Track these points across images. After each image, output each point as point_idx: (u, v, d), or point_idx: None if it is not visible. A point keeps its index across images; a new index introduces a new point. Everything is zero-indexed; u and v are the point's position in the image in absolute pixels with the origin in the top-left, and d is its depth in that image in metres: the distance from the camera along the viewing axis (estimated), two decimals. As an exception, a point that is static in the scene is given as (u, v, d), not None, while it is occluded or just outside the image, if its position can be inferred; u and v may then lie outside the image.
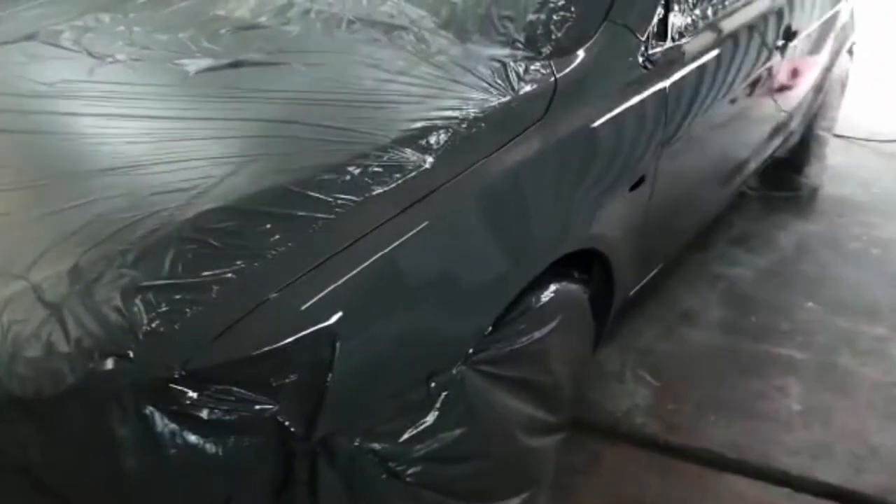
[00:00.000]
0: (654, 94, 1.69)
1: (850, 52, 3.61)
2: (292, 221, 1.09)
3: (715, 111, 2.07)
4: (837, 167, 3.84)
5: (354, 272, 1.07)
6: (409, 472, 1.17)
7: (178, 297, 0.99)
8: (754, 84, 2.36)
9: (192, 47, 1.58)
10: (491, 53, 1.55)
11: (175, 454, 0.97)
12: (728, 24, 2.07)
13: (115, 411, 0.94)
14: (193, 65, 1.50)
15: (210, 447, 0.99)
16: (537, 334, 1.41)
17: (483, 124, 1.33)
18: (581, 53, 1.57)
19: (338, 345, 1.03)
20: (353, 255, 1.08)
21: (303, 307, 1.02)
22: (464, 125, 1.31)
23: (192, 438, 0.98)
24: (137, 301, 0.98)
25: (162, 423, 0.96)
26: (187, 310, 0.98)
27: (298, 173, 1.17)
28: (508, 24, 1.64)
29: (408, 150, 1.23)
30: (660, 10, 1.75)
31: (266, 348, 0.99)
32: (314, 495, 1.07)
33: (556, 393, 1.55)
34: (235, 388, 0.99)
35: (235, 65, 1.49)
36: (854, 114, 4.27)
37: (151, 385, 0.94)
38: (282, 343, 1.00)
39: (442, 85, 1.42)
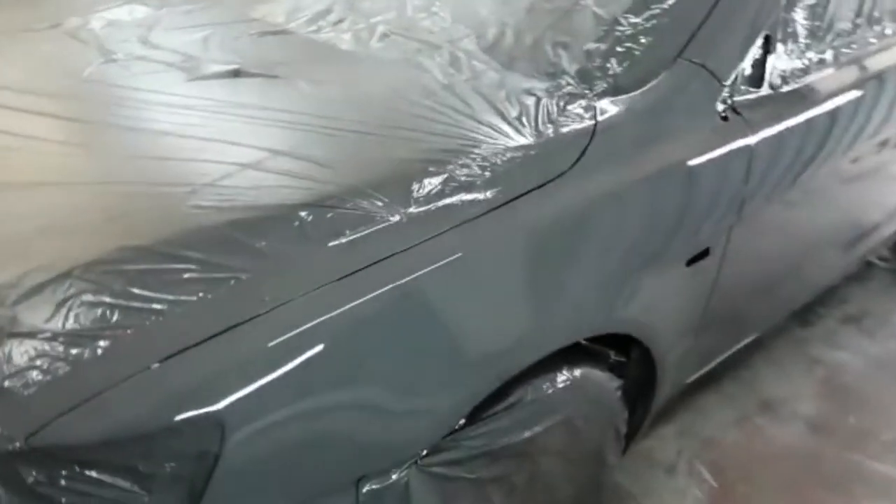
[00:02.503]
0: (734, 150, 1.38)
1: None
2: (212, 272, 0.90)
3: (825, 173, 1.71)
4: None
5: (266, 345, 0.87)
6: None
7: (48, 353, 0.82)
8: (888, 141, 1.96)
9: (204, 50, 1.44)
10: (529, 86, 1.30)
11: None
12: (853, 72, 1.71)
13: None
14: (194, 70, 1.35)
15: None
16: (527, 433, 1.15)
17: (486, 173, 1.09)
18: (638, 95, 1.29)
19: (226, 434, 0.83)
20: (269, 323, 0.88)
21: (188, 383, 0.83)
22: (460, 173, 1.08)
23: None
24: (1, 351, 0.82)
25: (10, 500, 0.79)
26: (52, 371, 0.81)
27: (241, 213, 0.98)
28: (562, 52, 1.38)
29: (378, 200, 1.01)
30: (756, 51, 1.43)
31: (134, 430, 0.80)
32: None
33: (542, 495, 1.27)
34: (93, 473, 0.81)
35: (234, 74, 1.33)
36: None
37: None
38: (155, 425, 0.81)
39: (453, 119, 1.19)
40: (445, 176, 1.07)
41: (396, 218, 1.00)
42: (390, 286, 0.95)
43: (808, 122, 1.55)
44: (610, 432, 1.38)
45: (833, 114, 1.64)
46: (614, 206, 1.20)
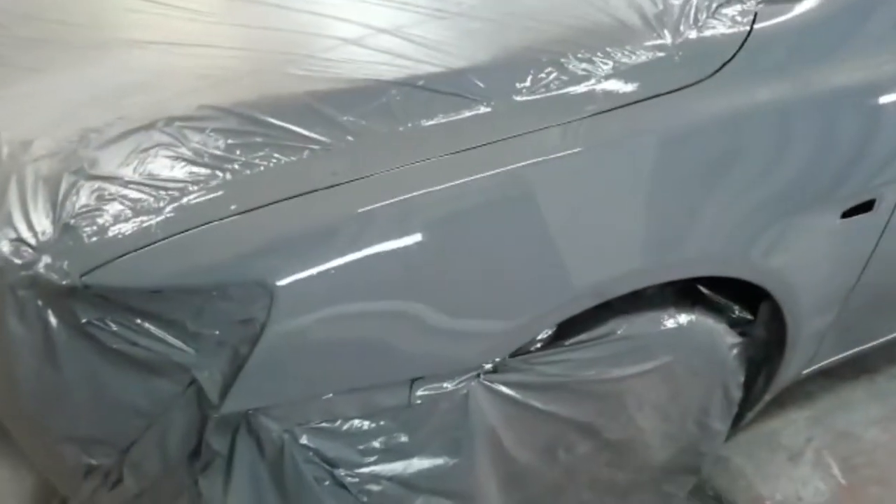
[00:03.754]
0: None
1: None
2: (288, 140, 0.86)
3: None
4: None
5: (332, 220, 0.81)
6: (366, 488, 0.91)
7: (117, 197, 0.82)
8: None
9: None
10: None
11: (73, 376, 0.82)
12: None
13: (12, 305, 0.80)
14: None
15: (115, 379, 0.83)
16: (615, 372, 1.03)
17: (607, 70, 0.95)
18: (809, 4, 1.08)
19: (275, 305, 0.79)
20: (334, 199, 0.82)
21: (241, 246, 0.79)
22: (577, 67, 0.95)
23: (94, 363, 0.82)
24: (75, 189, 0.83)
25: (60, 335, 0.81)
26: (117, 215, 0.80)
27: (329, 84, 0.92)
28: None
29: (479, 86, 0.92)
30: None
31: (184, 285, 0.78)
32: (229, 475, 0.87)
33: (629, 451, 1.15)
34: (143, 322, 0.80)
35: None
36: None
37: (48, 289, 0.79)
38: (204, 283, 0.79)
39: (583, 12, 1.05)
40: (559, 68, 0.94)
41: (493, 106, 0.90)
42: (476, 177, 0.86)
43: None
44: (717, 393, 1.22)
45: None
46: (759, 128, 1.02)
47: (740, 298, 1.20)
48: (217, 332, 0.81)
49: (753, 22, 1.05)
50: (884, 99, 1.11)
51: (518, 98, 0.92)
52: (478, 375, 0.93)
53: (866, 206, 1.18)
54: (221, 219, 0.80)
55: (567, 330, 1.01)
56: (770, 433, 1.80)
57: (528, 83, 0.93)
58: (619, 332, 1.02)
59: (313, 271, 0.81)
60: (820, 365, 1.53)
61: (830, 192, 1.13)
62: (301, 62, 0.98)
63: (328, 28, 1.05)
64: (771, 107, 1.03)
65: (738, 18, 1.05)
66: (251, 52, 1.02)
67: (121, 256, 0.78)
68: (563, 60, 0.95)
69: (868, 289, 1.33)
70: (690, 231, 1.01)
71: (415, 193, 0.84)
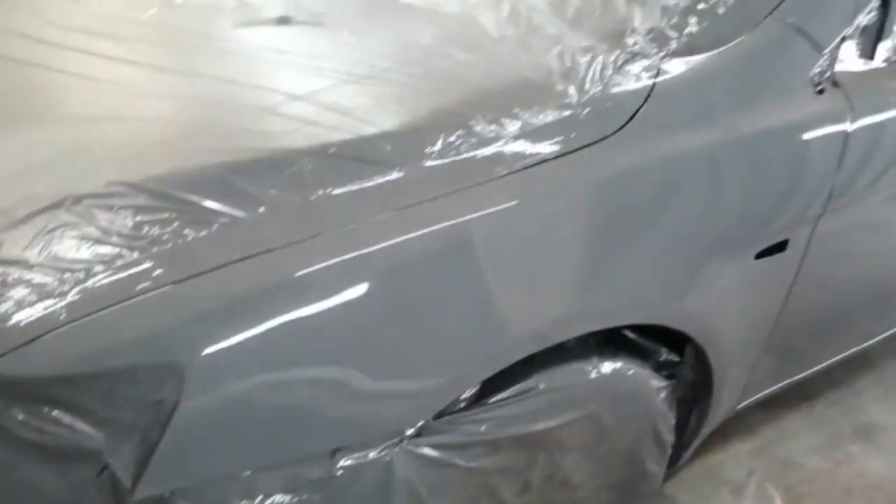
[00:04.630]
0: (826, 128, 1.18)
1: None
2: (197, 214, 0.86)
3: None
4: None
5: (242, 293, 0.81)
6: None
7: (21, 281, 0.80)
8: None
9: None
10: (589, 44, 1.16)
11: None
12: None
13: None
14: (244, 16, 1.31)
15: (26, 468, 0.81)
16: (541, 425, 1.04)
17: (514, 131, 0.98)
18: (712, 56, 1.13)
19: (186, 383, 0.78)
20: (241, 273, 0.82)
21: (148, 327, 0.79)
22: (486, 129, 0.97)
23: (2, 452, 0.80)
24: None
25: None
26: (21, 300, 0.79)
27: (240, 156, 0.92)
28: (636, 9, 1.23)
29: (388, 151, 0.93)
30: (869, 15, 1.22)
31: (91, 370, 0.77)
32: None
33: (561, 499, 1.16)
34: (50, 410, 0.78)
35: (281, 21, 1.28)
36: None
37: None
38: (112, 367, 0.77)
39: (493, 73, 1.09)
40: (468, 131, 0.97)
41: (404, 172, 0.91)
42: (383, 245, 0.86)
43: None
44: (648, 437, 1.24)
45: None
46: (668, 178, 1.05)
47: (667, 341, 1.23)
48: (128, 416, 0.79)
49: (657, 76, 1.09)
50: (787, 143, 1.15)
51: (428, 163, 0.93)
52: (401, 440, 0.93)
53: (780, 247, 1.22)
54: (127, 299, 0.79)
55: (490, 387, 1.01)
56: (713, 467, 1.82)
57: (437, 147, 0.94)
58: (541, 385, 1.03)
59: (225, 346, 0.80)
60: (754, 398, 1.57)
61: (742, 235, 1.16)
62: (212, 132, 0.98)
63: (240, 96, 1.06)
64: (677, 157, 1.06)
65: (643, 73, 1.09)
66: (162, 123, 1.02)
67: (25, 344, 0.77)
68: (471, 123, 0.97)
69: (791, 324, 1.37)
70: (607, 282, 1.04)
71: (325, 263, 0.84)
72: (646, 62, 1.11)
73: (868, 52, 1.25)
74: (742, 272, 1.19)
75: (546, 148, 0.97)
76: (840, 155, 1.20)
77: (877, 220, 1.40)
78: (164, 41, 1.24)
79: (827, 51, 1.18)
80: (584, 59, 1.11)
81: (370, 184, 0.91)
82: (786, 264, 1.25)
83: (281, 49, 1.18)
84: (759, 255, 1.20)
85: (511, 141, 0.97)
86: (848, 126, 1.19)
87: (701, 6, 1.19)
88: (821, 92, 1.18)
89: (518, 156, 0.96)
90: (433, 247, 0.89)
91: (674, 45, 1.15)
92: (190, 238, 0.84)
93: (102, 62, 1.17)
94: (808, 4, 1.17)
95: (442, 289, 0.91)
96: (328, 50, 1.17)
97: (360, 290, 0.86)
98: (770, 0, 1.17)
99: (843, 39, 1.20)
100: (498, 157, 0.95)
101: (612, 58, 1.11)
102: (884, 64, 1.26)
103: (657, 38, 1.16)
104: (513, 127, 0.98)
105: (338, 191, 0.90)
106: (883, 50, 1.26)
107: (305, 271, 0.84)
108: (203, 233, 0.84)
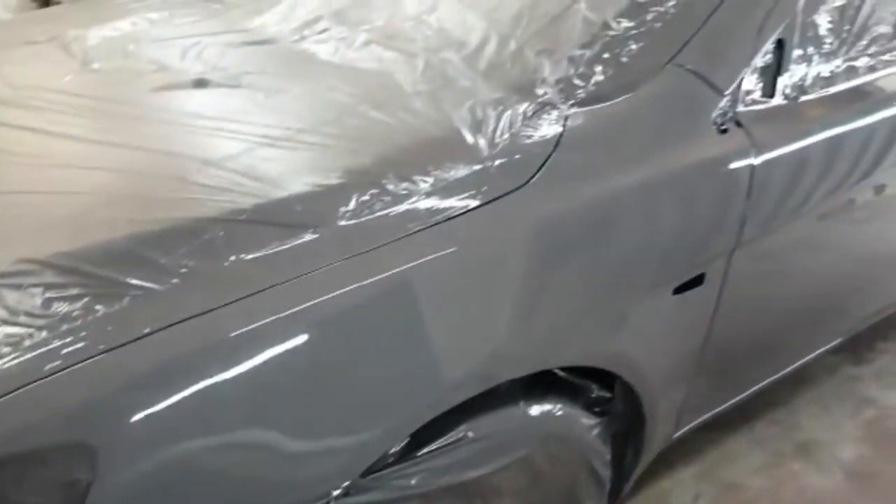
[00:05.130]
0: (732, 165, 1.23)
1: None
2: (106, 288, 0.85)
3: (854, 192, 1.52)
4: None
5: (152, 367, 0.81)
6: None
7: None
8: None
9: (180, 61, 1.41)
10: (501, 95, 1.20)
11: None
12: (891, 82, 1.52)
13: None
14: (161, 80, 1.32)
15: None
16: (473, 473, 1.05)
17: (427, 187, 1.00)
18: (617, 104, 1.17)
19: (98, 462, 0.77)
20: (158, 344, 0.82)
21: (56, 407, 0.78)
22: (399, 187, 0.99)
23: None
24: None
25: None
26: None
27: (149, 226, 0.93)
28: (545, 60, 1.28)
29: (301, 214, 0.94)
30: (766, 57, 1.29)
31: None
32: None
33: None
34: None
35: (198, 84, 1.29)
36: None
37: None
38: (19, 450, 0.76)
39: (406, 129, 1.11)
40: (381, 190, 0.99)
41: (319, 233, 0.93)
42: (299, 307, 0.87)
43: (830, 137, 1.38)
44: (583, 474, 1.26)
45: (864, 128, 1.46)
46: (581, 224, 1.09)
47: (597, 377, 1.25)
48: (41, 500, 0.78)
49: (565, 125, 1.13)
50: (695, 183, 1.20)
51: (342, 222, 0.95)
52: (327, 503, 0.93)
53: (697, 281, 1.27)
54: (36, 380, 0.78)
55: (419, 439, 1.02)
56: (660, 494, 1.85)
57: (351, 206, 0.96)
58: (470, 434, 1.04)
59: (139, 420, 0.79)
60: (690, 426, 1.60)
61: (658, 272, 1.20)
62: (125, 203, 0.98)
63: (154, 165, 1.06)
64: (590, 201, 1.10)
65: (551, 123, 1.13)
66: (74, 195, 1.01)
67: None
68: (384, 181, 0.99)
69: (717, 352, 1.41)
70: (528, 329, 1.06)
71: (242, 329, 0.85)
72: (555, 112, 1.16)
73: (768, 91, 1.31)
74: (662, 308, 1.23)
75: (457, 203, 0.99)
76: (747, 190, 1.25)
77: (792, 247, 1.46)
78: (80, 109, 1.24)
79: (727, 92, 1.23)
80: (494, 112, 1.14)
81: (284, 247, 0.92)
82: (705, 297, 1.29)
83: (197, 113, 1.19)
84: (678, 291, 1.24)
85: (424, 197, 0.99)
86: (752, 162, 1.25)
87: (606, 55, 1.25)
88: (724, 132, 1.23)
89: (431, 211, 0.98)
90: (351, 305, 0.90)
91: (581, 94, 1.20)
92: (101, 313, 0.83)
93: (14, 132, 1.17)
94: (706, 51, 1.23)
95: (363, 345, 0.92)
96: (244, 112, 1.19)
97: (277, 351, 0.86)
98: (670, 48, 1.23)
99: (742, 81, 1.26)
100: (411, 214, 0.97)
101: (522, 109, 1.15)
102: (783, 100, 1.33)
103: (565, 87, 1.21)
104: (425, 184, 1.00)
105: (251, 256, 0.90)
106: (781, 87, 1.32)
107: (221, 338, 0.84)
108: (115, 307, 0.84)
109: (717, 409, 1.62)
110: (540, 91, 1.21)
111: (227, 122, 1.15)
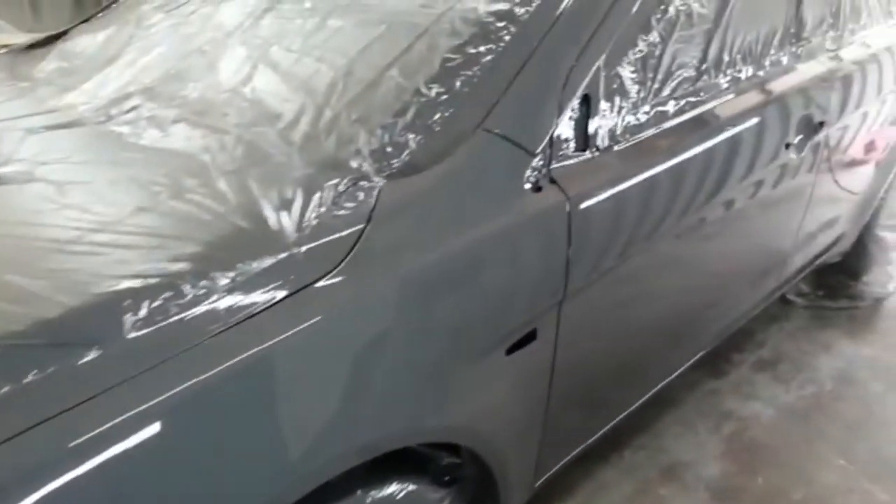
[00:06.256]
0: (548, 221, 1.26)
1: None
2: None
3: (674, 229, 1.60)
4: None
5: None
6: None
7: None
8: (755, 191, 1.87)
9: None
10: (311, 172, 1.17)
11: None
12: (700, 122, 1.61)
13: None
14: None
15: None
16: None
17: (227, 284, 0.95)
18: (429, 174, 1.17)
19: None
20: None
21: None
22: (196, 287, 0.94)
23: None
24: None
25: None
26: None
27: None
28: (359, 130, 1.27)
29: (80, 330, 0.87)
30: (574, 113, 1.33)
31: None
32: None
33: None
34: None
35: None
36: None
37: None
38: None
39: (206, 219, 1.06)
40: (176, 291, 0.93)
41: (104, 349, 0.86)
42: (73, 444, 0.80)
43: (646, 179, 1.44)
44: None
45: (678, 168, 1.54)
46: (402, 299, 1.07)
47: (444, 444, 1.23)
48: None
49: (378, 198, 1.12)
50: (513, 243, 1.21)
51: (132, 335, 0.88)
52: None
53: (530, 337, 1.28)
54: None
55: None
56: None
57: (142, 315, 0.90)
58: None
59: None
60: (552, 472, 1.61)
61: (488, 337, 1.20)
62: None
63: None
64: (407, 275, 1.08)
65: (364, 197, 1.11)
66: None
67: None
68: (180, 282, 0.94)
69: (565, 401, 1.43)
70: (358, 416, 1.03)
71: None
72: (368, 185, 1.14)
73: (580, 144, 1.35)
74: (498, 371, 1.23)
75: (261, 297, 0.95)
76: (566, 243, 1.28)
77: (632, 281, 1.51)
78: None
79: (538, 152, 1.26)
80: (304, 191, 1.11)
81: (65, 368, 0.84)
82: (540, 351, 1.30)
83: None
84: (511, 350, 1.24)
85: (224, 295, 0.94)
86: (569, 215, 1.28)
87: (418, 122, 1.25)
88: (538, 190, 1.25)
89: (231, 310, 0.93)
90: (138, 429, 0.83)
91: (395, 164, 1.19)
92: None
93: None
94: (513, 114, 1.26)
95: (151, 475, 0.85)
96: (33, 213, 1.10)
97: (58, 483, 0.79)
98: (478, 113, 1.25)
99: (553, 138, 1.29)
100: (210, 316, 0.92)
101: (334, 184, 1.12)
102: (596, 152, 1.37)
103: (379, 158, 1.20)
104: (226, 280, 0.95)
105: (27, 380, 0.82)
106: (593, 139, 1.37)
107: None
108: None
109: (580, 448, 1.64)
110: (354, 163, 1.20)
111: (11, 225, 1.06)
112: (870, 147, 2.49)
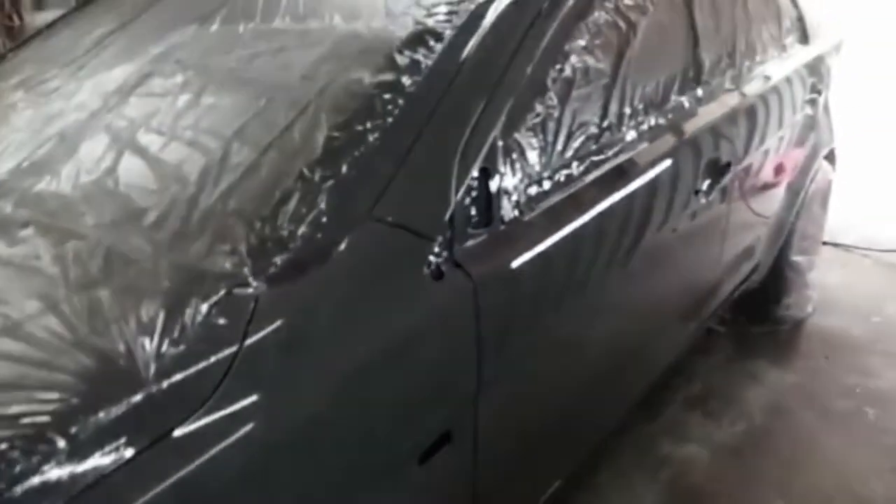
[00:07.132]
0: (452, 311, 1.15)
1: (831, 159, 3.06)
2: None
3: (594, 293, 1.52)
4: (830, 287, 3.23)
5: None
6: None
7: None
8: (671, 236, 1.82)
9: None
10: (171, 284, 1.02)
11: None
12: (606, 180, 1.54)
13: None
14: None
15: None
16: None
17: (67, 445, 0.80)
18: (315, 274, 1.04)
19: None
20: None
21: None
22: (20, 454, 0.78)
23: None
24: None
25: None
26: None
27: None
28: (235, 224, 1.13)
29: None
30: (469, 189, 1.22)
31: None
32: None
33: None
34: None
35: None
36: (852, 218, 3.74)
37: None
38: None
39: (40, 360, 0.90)
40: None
41: None
42: None
43: (556, 247, 1.35)
44: None
45: (589, 228, 1.46)
46: (284, 429, 0.93)
47: None
48: None
49: (255, 309, 0.98)
50: (415, 338, 1.10)
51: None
52: None
53: (444, 440, 1.16)
54: None
55: None
56: None
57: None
58: None
59: None
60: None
61: (393, 449, 1.08)
62: None
63: None
64: (287, 399, 0.95)
65: (239, 309, 0.97)
66: None
67: None
68: (7, 451, 0.78)
69: (495, 491, 1.32)
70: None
71: None
72: (243, 293, 1.00)
73: (484, 221, 1.25)
74: (412, 482, 1.11)
75: (108, 459, 0.80)
76: (474, 331, 1.17)
77: (545, 366, 1.41)
78: None
79: (436, 236, 1.15)
80: (166, 309, 0.96)
81: None
82: (458, 453, 1.19)
83: None
84: (424, 458, 1.12)
85: (63, 460, 0.78)
86: (475, 301, 1.17)
87: (302, 212, 1.12)
88: (440, 276, 1.14)
89: (72, 479, 0.78)
90: None
91: (277, 262, 1.05)
92: None
93: None
94: (405, 197, 1.14)
95: None
96: None
97: None
98: (367, 199, 1.13)
99: (453, 219, 1.18)
100: (44, 489, 0.76)
101: (203, 295, 0.98)
102: (501, 226, 1.27)
103: (258, 258, 1.06)
104: (62, 441, 0.80)
105: None
106: (495, 215, 1.27)
107: None
108: None
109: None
110: (229, 265, 1.05)
111: None
112: (778, 172, 2.51)
